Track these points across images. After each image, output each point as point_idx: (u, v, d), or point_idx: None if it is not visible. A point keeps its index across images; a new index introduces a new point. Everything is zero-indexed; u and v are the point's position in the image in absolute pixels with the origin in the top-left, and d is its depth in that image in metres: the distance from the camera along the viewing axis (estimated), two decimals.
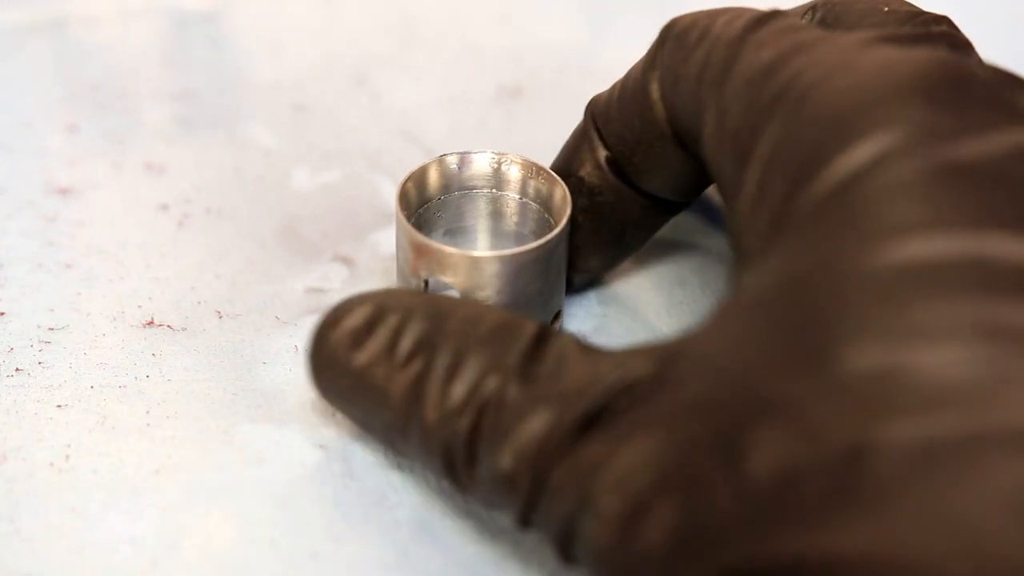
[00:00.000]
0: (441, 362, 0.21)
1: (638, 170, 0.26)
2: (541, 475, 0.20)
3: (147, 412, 0.26)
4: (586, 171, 0.27)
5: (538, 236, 0.27)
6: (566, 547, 0.20)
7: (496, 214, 0.28)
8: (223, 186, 0.32)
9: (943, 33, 0.24)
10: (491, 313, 0.22)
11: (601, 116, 0.27)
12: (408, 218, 0.26)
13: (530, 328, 0.21)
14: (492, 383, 0.21)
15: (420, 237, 0.25)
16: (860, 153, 0.18)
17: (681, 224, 0.31)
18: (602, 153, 0.27)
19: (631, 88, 0.26)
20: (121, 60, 0.37)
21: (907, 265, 0.16)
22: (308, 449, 0.25)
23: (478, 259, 0.25)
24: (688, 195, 0.27)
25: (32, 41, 0.38)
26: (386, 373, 0.22)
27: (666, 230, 0.29)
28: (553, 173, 0.27)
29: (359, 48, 0.38)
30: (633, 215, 0.27)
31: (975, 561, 0.14)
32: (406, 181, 0.27)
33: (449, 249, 0.25)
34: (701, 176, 0.26)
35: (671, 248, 0.31)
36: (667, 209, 0.28)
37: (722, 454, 0.17)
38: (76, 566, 0.23)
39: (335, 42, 0.38)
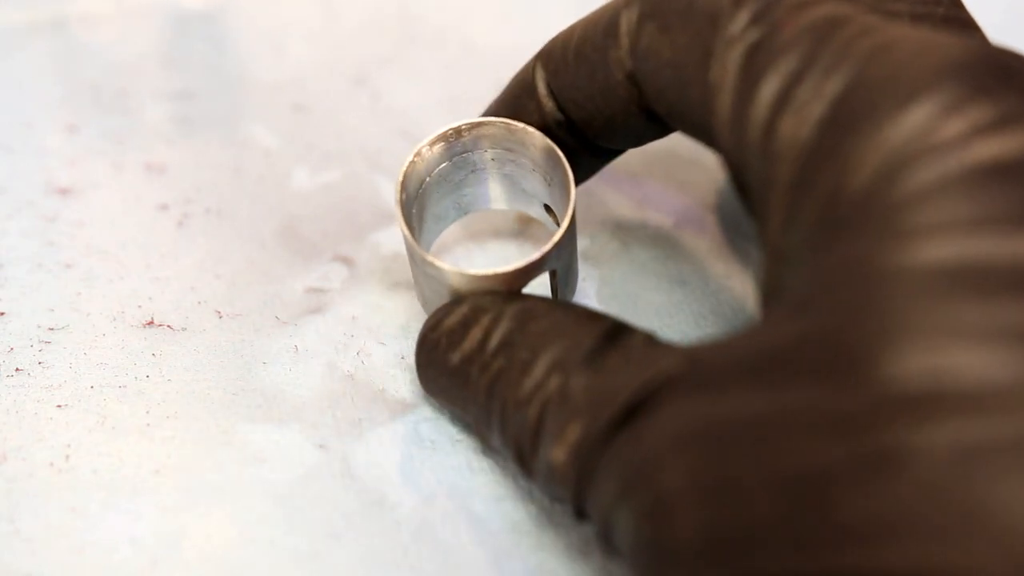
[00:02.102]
0: (518, 358, 0.22)
1: (599, 133, 0.25)
2: (585, 468, 0.20)
3: (147, 412, 0.26)
4: (533, 125, 0.26)
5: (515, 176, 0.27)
6: (608, 538, 0.20)
7: (479, 173, 0.28)
8: (223, 186, 0.32)
9: (950, 16, 0.23)
10: (572, 311, 0.22)
11: (555, 78, 0.25)
12: (407, 220, 0.25)
13: (605, 324, 0.21)
14: (558, 377, 0.21)
15: (519, 264, 0.24)
16: (901, 147, 0.17)
17: (682, 225, 0.31)
18: (556, 116, 0.25)
19: (590, 60, 0.24)
20: (121, 60, 0.37)
21: (946, 265, 0.16)
22: (308, 449, 0.25)
23: (558, 240, 0.24)
24: (645, 144, 0.26)
25: (32, 41, 0.38)
26: (476, 371, 0.23)
27: (668, 230, 0.29)
28: (524, 125, 0.26)
29: (359, 48, 0.38)
30: (579, 161, 0.26)
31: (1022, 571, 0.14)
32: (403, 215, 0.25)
33: (540, 253, 0.24)
34: (665, 132, 0.25)
35: (671, 248, 0.31)
36: (616, 155, 0.27)
37: (759, 457, 0.16)
38: (76, 566, 0.23)
39: (335, 42, 0.38)
